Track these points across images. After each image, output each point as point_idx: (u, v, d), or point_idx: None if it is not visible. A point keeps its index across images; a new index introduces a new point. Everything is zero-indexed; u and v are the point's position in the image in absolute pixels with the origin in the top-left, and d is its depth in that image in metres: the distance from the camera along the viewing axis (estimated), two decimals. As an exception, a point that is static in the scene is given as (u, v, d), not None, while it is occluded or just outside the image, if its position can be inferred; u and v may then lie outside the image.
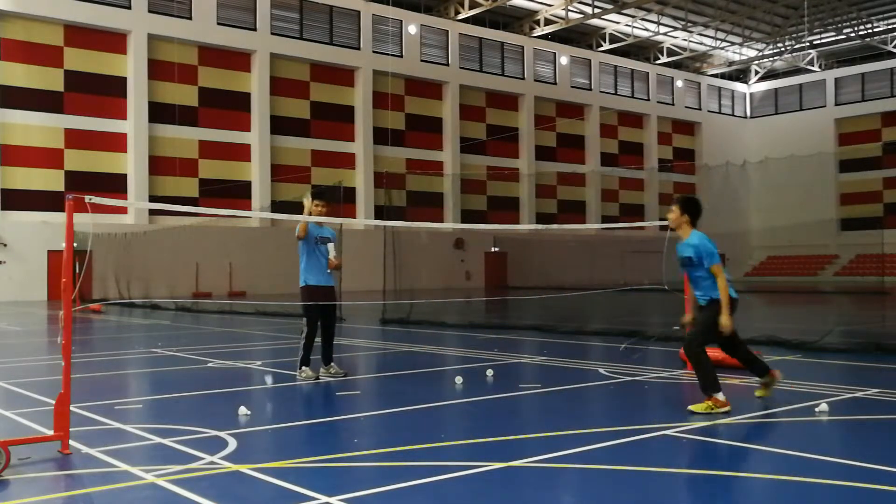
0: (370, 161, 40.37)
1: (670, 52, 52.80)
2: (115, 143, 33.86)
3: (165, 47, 34.83)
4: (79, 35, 33.07)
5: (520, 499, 4.32)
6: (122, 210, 33.22)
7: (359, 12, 40.34)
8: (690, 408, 6.54)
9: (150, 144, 34.31)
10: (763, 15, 48.23)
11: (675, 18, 47.32)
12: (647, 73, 53.77)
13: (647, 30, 48.50)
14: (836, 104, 55.88)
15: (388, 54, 41.34)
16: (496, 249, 44.10)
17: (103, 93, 33.61)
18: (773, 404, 6.96)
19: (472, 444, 5.62)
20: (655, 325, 15.14)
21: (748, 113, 60.82)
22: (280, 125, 38.09)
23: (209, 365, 10.32)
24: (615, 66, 51.84)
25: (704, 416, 6.34)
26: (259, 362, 10.55)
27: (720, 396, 6.48)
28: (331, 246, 8.90)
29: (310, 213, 8.79)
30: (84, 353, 11.90)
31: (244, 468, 4.92)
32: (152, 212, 34.03)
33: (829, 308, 23.45)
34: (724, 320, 6.61)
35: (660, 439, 5.63)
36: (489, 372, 9.07)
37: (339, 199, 33.27)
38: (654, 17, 46.96)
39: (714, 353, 9.37)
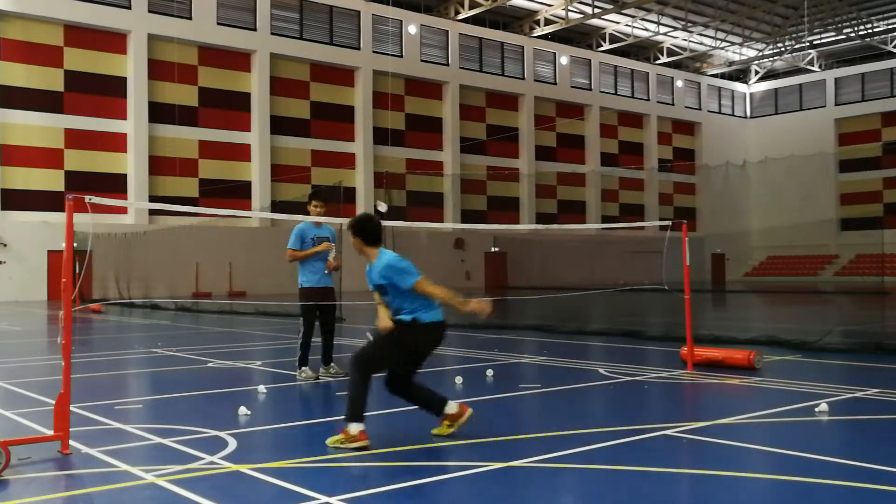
0: (370, 161, 40.37)
1: (670, 52, 52.80)
2: (115, 143, 33.86)
3: (165, 47, 34.83)
4: (79, 35, 33.07)
5: (520, 499, 4.32)
6: (122, 210, 33.22)
7: (359, 12, 40.34)
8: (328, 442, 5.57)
9: (150, 144, 34.30)
10: (763, 15, 48.23)
11: (675, 18, 47.33)
12: (647, 73, 53.77)
13: (647, 30, 48.51)
14: (836, 104, 55.88)
15: (388, 54, 41.34)
16: (496, 249, 44.10)
17: (103, 93, 33.61)
18: (774, 404, 6.96)
19: (472, 444, 5.62)
20: (655, 326, 15.15)
21: (748, 113, 60.82)
22: (280, 125, 38.09)
23: (209, 365, 10.31)
24: (615, 66, 51.85)
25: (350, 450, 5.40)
26: (259, 362, 10.55)
27: (353, 430, 5.43)
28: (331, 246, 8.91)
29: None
30: (84, 353, 11.90)
31: (244, 468, 4.92)
32: (152, 212, 34.03)
33: (829, 308, 23.45)
34: (475, 304, 6.05)
35: (660, 439, 5.63)
36: (489, 372, 9.06)
37: (339, 199, 33.24)
38: (654, 17, 46.96)
39: (715, 353, 9.39)
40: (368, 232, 6.02)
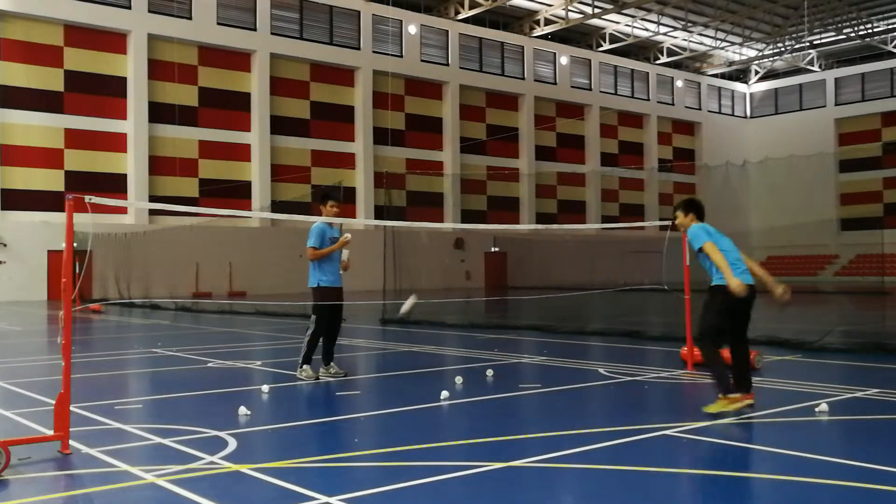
0: (370, 161, 40.37)
1: (670, 52, 52.80)
2: (115, 143, 33.86)
3: (165, 47, 34.83)
4: (79, 35, 33.07)
5: (520, 499, 4.32)
6: (122, 210, 33.21)
7: (359, 12, 40.34)
8: (705, 408, 6.45)
9: (150, 144, 34.30)
10: (763, 15, 48.22)
11: (675, 18, 47.32)
12: (647, 73, 53.77)
13: (647, 30, 48.50)
14: (836, 104, 55.87)
15: (388, 54, 41.34)
16: (496, 249, 44.10)
17: (103, 93, 33.61)
18: (773, 404, 6.95)
19: (472, 444, 5.62)
20: (655, 326, 15.15)
21: (748, 113, 60.82)
22: (280, 125, 38.09)
23: (209, 365, 10.32)
24: (615, 66, 51.85)
25: (714, 416, 6.28)
26: (259, 362, 10.55)
27: (734, 395, 6.38)
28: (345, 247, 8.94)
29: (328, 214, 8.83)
30: (84, 353, 11.90)
31: (244, 468, 4.92)
32: (152, 212, 34.02)
33: (829, 308, 23.45)
34: (732, 283, 6.46)
35: (660, 439, 5.63)
36: (489, 372, 9.07)
37: (339, 199, 33.23)
38: (654, 17, 46.96)
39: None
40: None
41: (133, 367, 10.84)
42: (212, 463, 5.07)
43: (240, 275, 35.16)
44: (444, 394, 7.34)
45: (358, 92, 40.51)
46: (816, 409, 6.57)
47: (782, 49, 53.23)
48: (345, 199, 38.26)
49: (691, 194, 55.45)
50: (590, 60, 50.36)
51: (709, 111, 58.05)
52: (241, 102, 37.13)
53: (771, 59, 55.66)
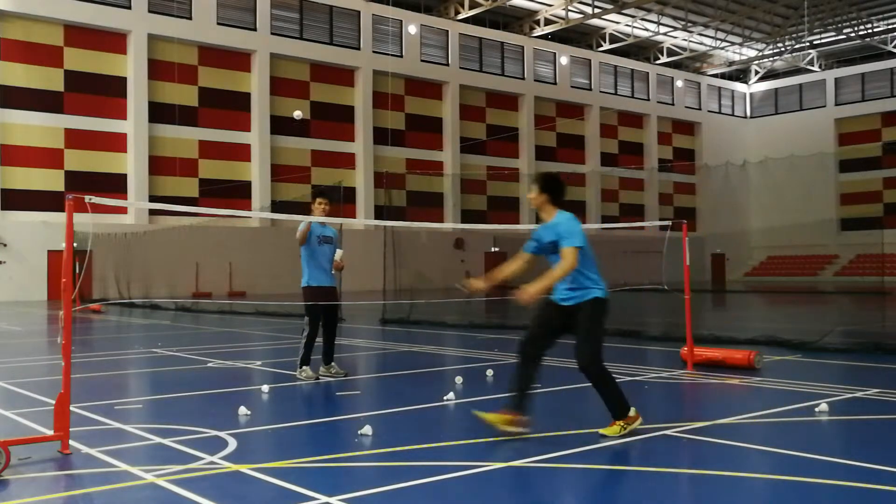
0: (370, 161, 40.37)
1: (670, 52, 52.80)
2: (115, 143, 33.86)
3: (165, 47, 34.83)
4: (79, 35, 33.07)
5: (520, 499, 4.32)
6: (122, 210, 33.21)
7: (359, 12, 40.34)
8: (601, 431, 5.69)
9: (150, 144, 34.30)
10: (763, 15, 48.23)
11: (675, 18, 47.32)
12: (647, 73, 53.77)
13: (647, 30, 48.50)
14: (836, 104, 55.88)
15: (388, 54, 41.34)
16: (496, 249, 44.07)
17: (103, 93, 33.61)
18: (773, 404, 6.96)
19: (472, 444, 5.62)
20: (655, 326, 15.15)
21: (748, 113, 60.82)
22: (280, 125, 38.09)
23: (209, 365, 10.31)
24: (615, 66, 51.84)
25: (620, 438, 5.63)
26: (259, 362, 10.55)
27: (631, 413, 5.70)
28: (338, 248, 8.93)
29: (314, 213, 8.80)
30: (84, 353, 11.90)
31: (244, 468, 4.92)
32: (152, 212, 34.02)
33: (829, 308, 23.45)
34: (529, 288, 5.81)
35: (660, 439, 5.63)
36: (489, 372, 9.07)
37: (339, 199, 33.26)
38: (654, 17, 46.96)
39: (715, 353, 9.39)
40: (559, 191, 6.00)
41: (133, 367, 10.83)
42: (212, 463, 5.07)
43: (240, 275, 35.16)
44: (450, 395, 7.34)
45: (358, 92, 40.50)
46: (816, 409, 6.57)
47: (782, 49, 53.23)
48: (345, 199, 38.28)
49: (691, 195, 55.82)
50: (590, 60, 50.36)
51: (709, 111, 58.04)
52: (241, 102, 37.13)
53: (771, 59, 55.66)
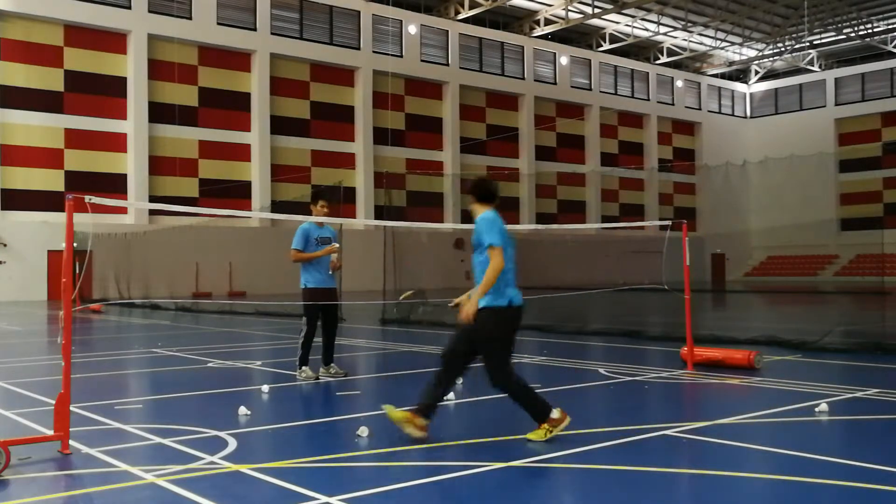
0: (370, 161, 40.37)
1: (670, 52, 52.79)
2: (115, 143, 33.86)
3: (165, 47, 34.83)
4: (79, 35, 33.07)
5: (520, 499, 4.32)
6: (122, 210, 33.21)
7: (359, 12, 40.34)
8: (527, 436, 5.57)
9: (150, 144, 34.30)
10: (763, 15, 48.22)
11: (675, 18, 47.32)
12: (647, 73, 53.77)
13: (647, 30, 48.50)
14: (836, 104, 55.88)
15: (388, 54, 41.34)
16: (496, 249, 44.00)
17: (103, 93, 33.61)
18: (773, 404, 6.95)
19: (472, 444, 5.62)
20: (655, 326, 15.16)
21: (748, 113, 60.82)
22: (280, 125, 38.09)
23: (209, 365, 10.31)
24: (615, 66, 51.84)
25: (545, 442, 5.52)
26: (259, 362, 10.55)
27: (555, 414, 5.52)
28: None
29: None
30: (84, 353, 11.90)
31: (244, 468, 4.92)
32: (152, 212, 34.02)
33: (829, 308, 23.45)
34: (467, 305, 5.60)
35: (660, 439, 5.63)
36: (489, 372, 9.05)
37: (339, 199, 33.26)
38: (654, 17, 46.95)
39: (715, 353, 9.39)
40: (487, 194, 5.91)
41: (133, 367, 10.83)
42: (212, 463, 5.07)
43: (240, 275, 35.16)
44: (450, 395, 7.34)
45: (358, 92, 40.50)
46: (816, 409, 6.57)
47: (782, 49, 53.22)
48: (345, 200, 38.29)
49: (691, 195, 55.80)
50: (590, 60, 50.35)
51: (709, 111, 58.04)
52: (241, 102, 37.13)
53: (771, 59, 55.65)
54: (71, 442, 5.43)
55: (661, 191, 54.28)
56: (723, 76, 58.98)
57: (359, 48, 40.32)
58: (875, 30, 49.57)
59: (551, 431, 5.49)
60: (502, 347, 5.63)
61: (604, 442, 5.54)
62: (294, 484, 4.56)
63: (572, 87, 49.44)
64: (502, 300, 5.60)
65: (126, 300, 25.73)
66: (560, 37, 48.28)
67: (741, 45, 52.82)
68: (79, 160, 32.89)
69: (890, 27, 49.55)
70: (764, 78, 59.85)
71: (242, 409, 6.72)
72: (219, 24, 36.11)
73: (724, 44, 52.38)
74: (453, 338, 5.82)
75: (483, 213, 5.80)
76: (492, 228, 5.64)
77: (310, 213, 8.94)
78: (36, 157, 32.04)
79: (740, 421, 6.28)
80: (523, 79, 47.07)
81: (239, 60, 37.13)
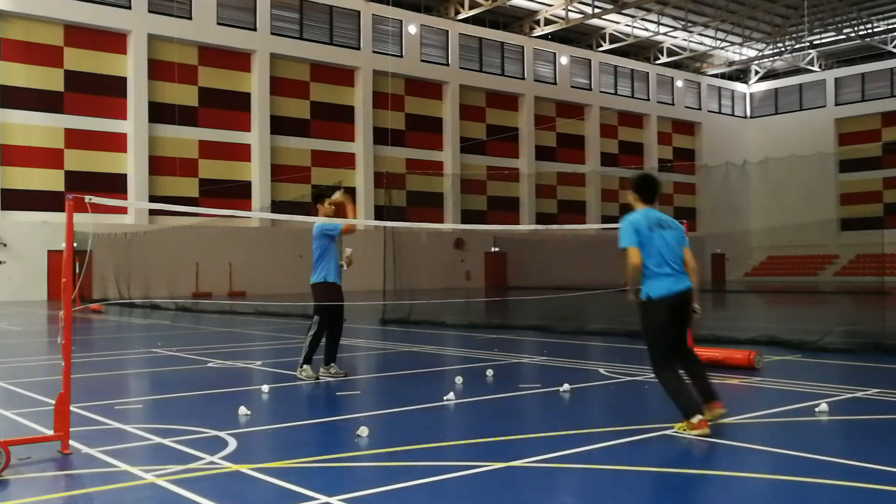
0: (370, 161, 40.37)
1: (670, 52, 52.79)
2: (115, 143, 33.86)
3: (165, 47, 34.83)
4: (79, 35, 33.07)
5: (520, 499, 4.32)
6: (122, 210, 33.21)
7: (359, 12, 40.34)
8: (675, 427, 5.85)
9: (150, 144, 34.30)
10: (763, 15, 48.22)
11: (675, 18, 47.32)
12: (647, 73, 53.77)
13: (647, 30, 48.50)
14: (836, 104, 55.87)
15: (388, 54, 41.34)
16: (496, 249, 44.09)
17: (103, 93, 33.61)
18: (773, 404, 6.95)
19: (472, 444, 5.62)
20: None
21: (748, 113, 60.82)
22: (280, 125, 38.09)
23: (209, 365, 10.31)
24: (615, 66, 51.84)
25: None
26: (259, 362, 10.55)
27: (694, 420, 5.71)
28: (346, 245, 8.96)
29: (332, 210, 8.84)
30: (84, 353, 11.90)
31: (244, 468, 4.92)
32: (152, 212, 34.02)
33: (829, 308, 23.45)
34: (628, 296, 5.97)
35: (660, 439, 5.63)
36: (489, 372, 9.06)
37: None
38: (654, 17, 46.95)
39: (716, 352, 9.39)
40: (645, 190, 6.20)
41: (133, 367, 10.83)
42: (212, 463, 5.07)
43: (240, 275, 35.16)
44: (450, 395, 7.34)
45: (358, 92, 40.50)
46: (816, 409, 6.57)
47: (782, 49, 53.23)
48: (345, 200, 38.24)
49: (691, 195, 55.80)
50: (590, 60, 50.35)
51: (709, 111, 58.04)
52: (241, 102, 37.13)
53: (771, 59, 55.65)
54: (71, 442, 5.43)
55: (662, 191, 54.23)
56: (723, 76, 58.99)
57: (359, 48, 40.33)
58: (875, 30, 49.57)
59: (685, 430, 5.74)
60: (654, 341, 5.93)
61: (604, 442, 5.54)
62: (294, 484, 4.56)
63: (572, 87, 49.44)
64: (647, 293, 5.93)
65: (126, 300, 25.73)
66: (560, 37, 48.28)
67: (741, 45, 52.82)
68: (79, 160, 32.89)
69: (890, 27, 49.55)
70: (764, 78, 59.85)
71: (242, 409, 6.72)
72: (219, 24, 36.11)
73: (724, 44, 52.38)
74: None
75: (631, 214, 6.09)
76: (625, 232, 5.93)
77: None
78: (36, 157, 32.04)
79: (740, 421, 6.28)
80: (523, 79, 47.08)
81: (239, 60, 37.13)
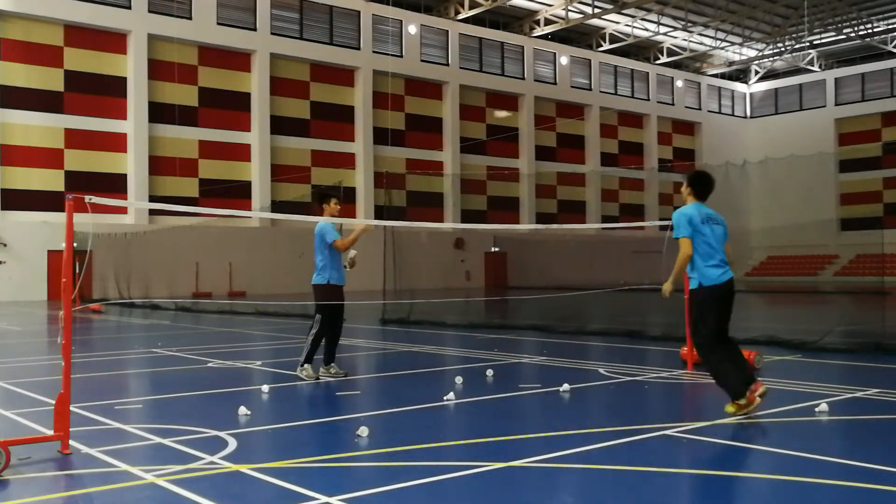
0: (370, 161, 40.37)
1: (670, 52, 52.79)
2: (115, 143, 33.86)
3: (165, 47, 34.83)
4: (79, 35, 33.07)
5: (520, 499, 4.32)
6: (122, 210, 33.21)
7: (359, 12, 40.34)
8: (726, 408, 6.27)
9: (150, 144, 34.30)
10: (763, 15, 48.22)
11: (675, 18, 47.32)
12: (647, 73, 53.77)
13: (647, 30, 48.50)
14: (836, 104, 55.87)
15: (388, 54, 41.34)
16: (496, 249, 44.09)
17: (103, 93, 33.61)
18: (774, 404, 6.95)
19: (472, 444, 5.62)
20: (655, 326, 15.15)
21: (748, 113, 60.82)
22: (280, 125, 38.09)
23: (209, 365, 10.32)
24: (615, 66, 51.84)
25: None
26: (259, 362, 10.55)
27: (742, 400, 6.18)
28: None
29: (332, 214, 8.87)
30: (84, 353, 11.90)
31: (244, 468, 4.92)
32: (152, 212, 34.02)
33: (829, 308, 23.45)
34: (664, 287, 6.38)
35: (660, 439, 5.63)
36: (489, 372, 9.07)
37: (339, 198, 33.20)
38: (654, 17, 46.95)
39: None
40: (701, 186, 6.64)
41: (133, 367, 10.84)
42: (212, 463, 5.07)
43: (240, 275, 35.16)
44: (450, 395, 7.34)
45: (358, 92, 40.50)
46: (816, 409, 6.57)
47: (782, 49, 53.23)
48: (345, 199, 38.24)
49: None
50: (590, 60, 50.36)
51: (709, 111, 58.04)
52: (241, 102, 37.13)
53: (771, 59, 55.65)
54: (71, 442, 5.43)
55: (661, 191, 54.25)
56: (723, 76, 58.99)
57: (359, 48, 40.33)
58: (875, 30, 49.57)
59: (735, 411, 6.12)
60: (703, 324, 6.30)
61: (604, 442, 5.54)
62: (294, 484, 4.56)
63: (572, 87, 49.44)
64: (698, 281, 6.37)
65: (126, 300, 25.73)
66: (560, 37, 48.27)
67: (741, 45, 52.82)
68: (79, 160, 32.89)
69: (890, 27, 49.55)
70: (764, 78, 59.85)
71: (242, 409, 6.72)
72: (219, 24, 36.11)
73: (724, 44, 52.38)
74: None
75: (684, 207, 6.54)
76: (680, 223, 6.35)
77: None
78: (36, 157, 32.04)
79: (740, 421, 6.28)
80: (523, 79, 47.08)
81: (239, 60, 37.13)
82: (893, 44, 51.23)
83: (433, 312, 18.73)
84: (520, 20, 46.42)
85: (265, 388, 7.96)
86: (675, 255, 6.57)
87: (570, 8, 44.16)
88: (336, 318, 8.88)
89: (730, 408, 6.19)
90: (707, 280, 6.27)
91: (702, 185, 6.61)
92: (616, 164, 51.59)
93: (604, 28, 48.58)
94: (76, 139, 32.91)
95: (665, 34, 49.58)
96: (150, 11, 34.23)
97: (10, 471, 4.89)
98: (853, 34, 48.90)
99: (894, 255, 42.05)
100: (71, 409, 5.50)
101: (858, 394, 7.50)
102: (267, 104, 37.41)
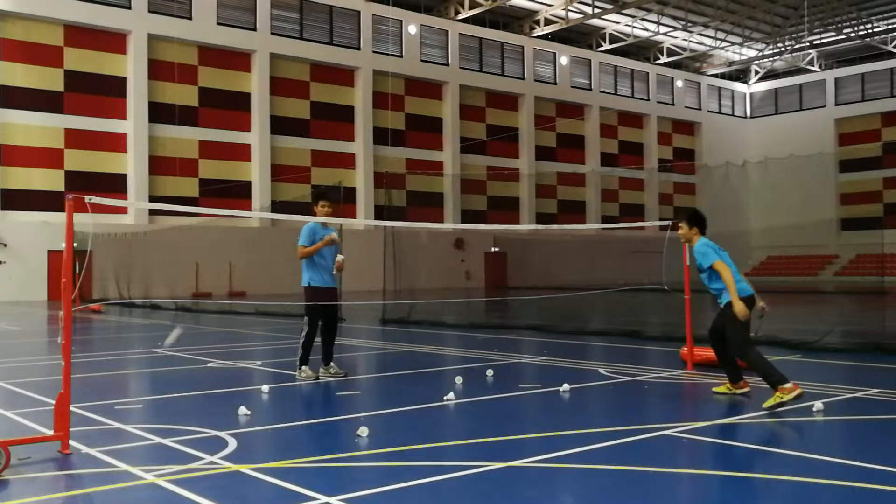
0: (370, 161, 40.37)
1: (670, 52, 52.79)
2: (115, 143, 33.86)
3: (165, 47, 34.83)
4: (79, 35, 33.07)
5: (520, 499, 4.32)
6: (122, 210, 33.21)
7: (359, 12, 40.34)
8: (764, 405, 6.60)
9: (150, 144, 34.30)
10: (763, 15, 48.22)
11: (675, 18, 47.32)
12: (647, 73, 53.77)
13: (647, 30, 48.50)
14: (836, 104, 55.87)
15: (388, 54, 41.34)
16: (496, 249, 44.09)
17: (103, 93, 33.60)
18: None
19: (472, 444, 5.62)
20: (655, 326, 15.16)
21: (748, 113, 60.82)
22: (280, 125, 38.09)
23: (209, 365, 10.32)
24: (615, 66, 51.84)
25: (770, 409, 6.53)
26: (259, 362, 10.55)
27: (787, 385, 6.57)
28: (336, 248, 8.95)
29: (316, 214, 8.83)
30: (84, 353, 11.90)
31: (244, 468, 4.93)
32: (152, 212, 34.02)
33: (829, 308, 23.45)
34: (737, 307, 6.93)
35: (660, 439, 5.63)
36: (489, 372, 9.07)
37: (339, 199, 33.25)
38: (654, 17, 46.95)
39: (712, 352, 9.38)
40: (702, 223, 7.62)
41: (133, 367, 10.84)
42: (212, 463, 5.07)
43: (240, 275, 35.15)
44: (450, 395, 7.34)
45: (358, 92, 40.50)
46: (813, 409, 6.57)
47: (782, 49, 53.22)
48: (345, 199, 38.31)
49: (691, 195, 55.77)
50: (590, 60, 50.36)
51: (709, 111, 58.04)
52: (241, 102, 37.13)
53: (771, 59, 55.65)
54: (71, 442, 5.43)
55: (661, 191, 54.27)
56: (723, 76, 58.99)
57: (359, 48, 40.32)
58: (875, 30, 49.57)
59: (782, 398, 6.46)
60: (742, 327, 7.03)
61: (604, 442, 5.54)
62: (294, 484, 4.56)
63: (572, 87, 49.44)
64: (739, 294, 7.13)
65: (126, 300, 25.73)
66: (560, 37, 48.27)
67: (741, 45, 52.82)
68: (79, 160, 32.89)
69: (890, 27, 49.55)
70: (764, 78, 59.84)
71: (242, 409, 6.72)
72: (219, 24, 36.11)
73: (724, 44, 52.38)
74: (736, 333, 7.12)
75: (698, 242, 7.43)
76: (706, 254, 7.22)
77: (310, 213, 8.96)
78: (36, 157, 32.04)
79: (740, 421, 6.28)
80: (523, 79, 47.08)
81: (239, 60, 37.13)
82: (893, 44, 51.23)
83: (433, 312, 18.73)
84: (520, 20, 46.41)
85: (265, 388, 7.96)
86: (675, 255, 6.72)
87: (570, 8, 44.16)
88: (328, 319, 8.87)
89: (772, 400, 6.56)
90: (744, 293, 7.11)
91: (703, 222, 7.60)
92: (616, 164, 51.58)
93: (604, 28, 48.58)
94: (76, 139, 32.91)
95: (665, 34, 49.58)
96: (150, 11, 34.22)
97: (10, 471, 4.89)
98: (853, 34, 48.90)
99: (894, 255, 42.04)
100: (71, 409, 5.50)
101: (858, 394, 7.50)
102: (267, 104, 37.41)
